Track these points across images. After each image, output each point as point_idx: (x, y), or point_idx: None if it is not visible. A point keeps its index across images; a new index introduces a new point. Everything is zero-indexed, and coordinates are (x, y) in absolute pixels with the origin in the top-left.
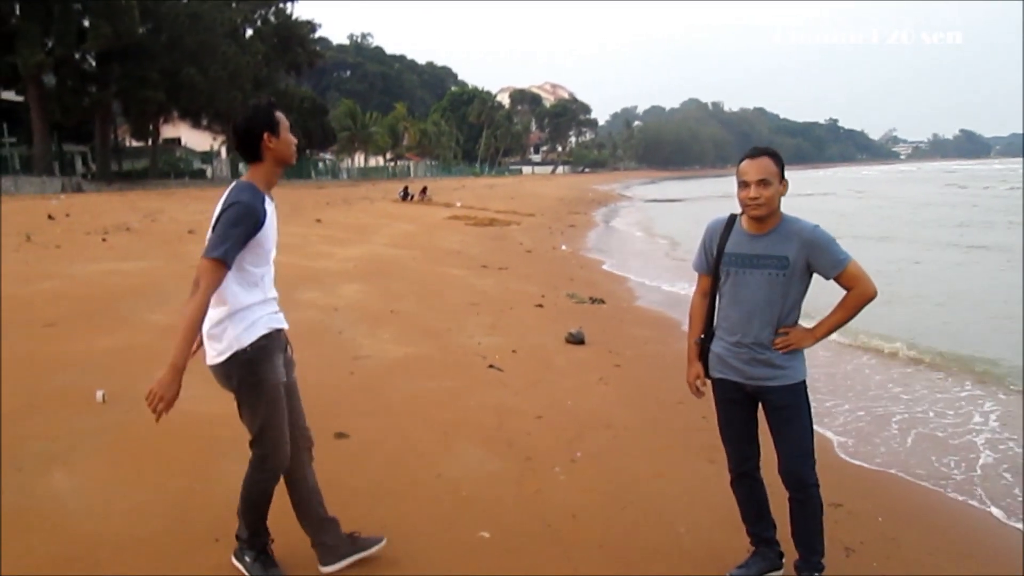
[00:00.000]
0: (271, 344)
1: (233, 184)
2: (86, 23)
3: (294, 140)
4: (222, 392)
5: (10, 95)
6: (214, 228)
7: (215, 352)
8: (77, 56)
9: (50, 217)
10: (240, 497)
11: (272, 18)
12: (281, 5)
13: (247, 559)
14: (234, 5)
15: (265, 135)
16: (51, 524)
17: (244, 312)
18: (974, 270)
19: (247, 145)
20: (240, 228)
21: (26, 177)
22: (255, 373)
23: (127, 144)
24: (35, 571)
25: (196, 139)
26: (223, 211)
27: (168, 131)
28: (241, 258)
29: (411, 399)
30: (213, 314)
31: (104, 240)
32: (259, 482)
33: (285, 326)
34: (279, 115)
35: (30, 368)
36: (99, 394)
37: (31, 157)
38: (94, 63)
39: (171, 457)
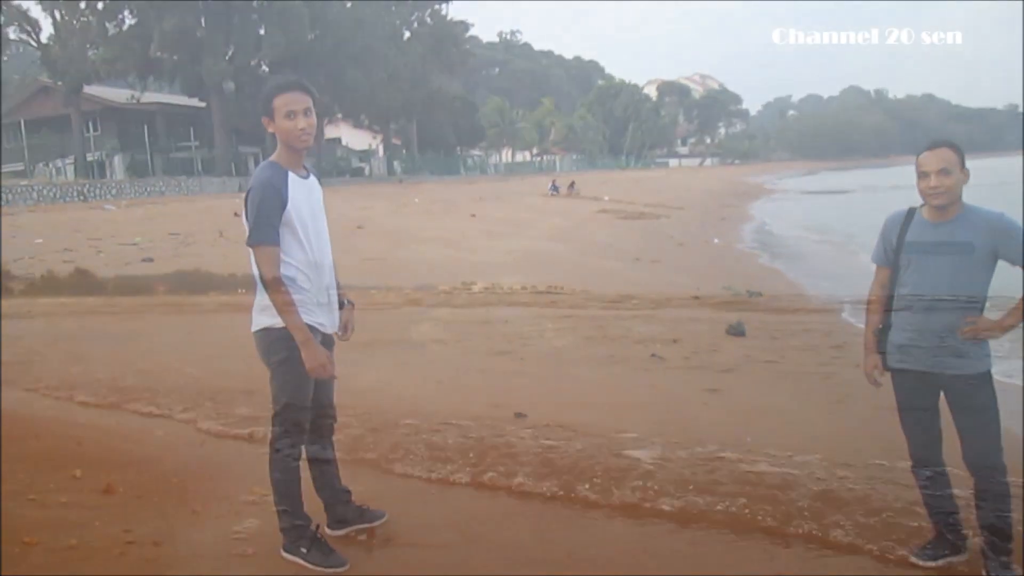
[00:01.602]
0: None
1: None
2: (261, 31)
3: (297, 125)
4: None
5: (193, 101)
6: (245, 215)
7: (256, 323)
8: (253, 63)
9: (236, 215)
10: (271, 485)
11: (428, 20)
12: (436, 7)
13: (303, 550)
14: (393, 9)
15: (264, 119)
16: None
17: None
18: None
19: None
20: (262, 207)
21: (208, 178)
22: (288, 349)
23: None
24: None
25: (355, 138)
26: (245, 199)
27: (330, 131)
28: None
29: (580, 384)
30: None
31: None
32: (279, 459)
33: (328, 327)
34: (280, 99)
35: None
36: None
37: (212, 159)
38: (267, 69)
39: None
